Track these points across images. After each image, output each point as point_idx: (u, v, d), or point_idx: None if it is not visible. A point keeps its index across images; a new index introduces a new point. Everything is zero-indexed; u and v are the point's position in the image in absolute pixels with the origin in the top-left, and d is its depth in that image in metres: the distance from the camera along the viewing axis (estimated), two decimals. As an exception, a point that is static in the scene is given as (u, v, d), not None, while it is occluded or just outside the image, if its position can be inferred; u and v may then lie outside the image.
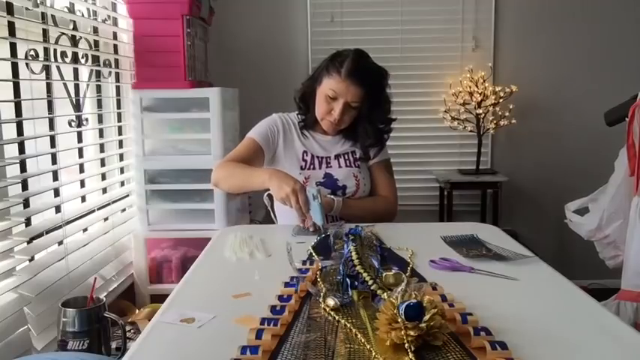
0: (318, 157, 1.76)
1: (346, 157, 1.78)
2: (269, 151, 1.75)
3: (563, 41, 3.32)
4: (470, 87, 3.16)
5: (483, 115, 3.17)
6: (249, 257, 1.29)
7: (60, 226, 1.76)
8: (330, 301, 0.96)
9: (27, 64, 1.69)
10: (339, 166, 1.76)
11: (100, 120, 2.32)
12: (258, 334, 0.82)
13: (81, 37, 2.05)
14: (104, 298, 1.43)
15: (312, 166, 1.74)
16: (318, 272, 1.14)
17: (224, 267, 1.24)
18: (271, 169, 1.59)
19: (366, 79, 1.66)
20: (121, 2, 2.34)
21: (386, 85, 1.74)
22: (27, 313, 1.52)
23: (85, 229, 2.02)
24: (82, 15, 2.08)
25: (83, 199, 2.09)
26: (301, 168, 1.73)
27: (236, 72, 3.21)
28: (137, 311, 2.01)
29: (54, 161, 1.84)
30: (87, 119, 2.08)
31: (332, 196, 1.67)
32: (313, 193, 1.41)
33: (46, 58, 1.79)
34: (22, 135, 1.66)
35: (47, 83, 1.81)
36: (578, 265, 3.11)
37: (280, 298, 0.98)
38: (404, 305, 0.79)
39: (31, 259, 1.66)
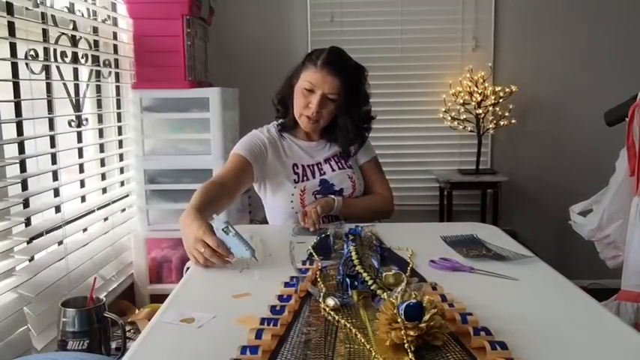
0: (309, 166, 1.73)
1: (336, 159, 1.76)
2: (257, 163, 1.66)
3: (563, 41, 3.32)
4: (470, 87, 3.16)
5: (483, 115, 3.17)
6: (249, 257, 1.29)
7: (60, 226, 1.76)
8: (330, 301, 0.96)
9: (27, 64, 1.69)
10: (332, 170, 1.73)
11: (100, 120, 2.32)
12: (258, 334, 0.82)
13: (81, 37, 2.05)
14: (104, 298, 1.43)
15: (305, 177, 1.70)
16: (318, 272, 1.14)
17: (224, 267, 1.24)
18: (184, 216, 1.34)
19: (343, 69, 1.64)
20: (121, 2, 2.34)
21: (364, 81, 1.72)
22: (27, 313, 1.52)
23: (85, 229, 2.02)
24: (82, 15, 2.08)
25: (83, 199, 2.08)
26: (294, 181, 1.69)
27: (236, 72, 3.21)
28: (137, 311, 2.01)
29: (54, 161, 1.84)
30: (87, 119, 2.08)
31: (332, 196, 1.67)
32: (223, 228, 1.20)
33: (46, 58, 1.79)
34: (22, 135, 1.66)
35: (47, 83, 1.81)
36: (578, 265, 3.11)
37: (280, 298, 0.98)
38: (404, 305, 0.79)
39: (31, 259, 1.66)
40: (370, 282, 0.99)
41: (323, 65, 1.62)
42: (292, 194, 1.67)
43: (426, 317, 0.79)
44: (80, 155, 2.07)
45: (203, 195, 1.42)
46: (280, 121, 1.78)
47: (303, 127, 1.73)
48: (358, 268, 1.03)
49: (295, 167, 1.71)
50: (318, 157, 1.75)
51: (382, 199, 1.79)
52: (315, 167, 1.73)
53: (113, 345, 1.48)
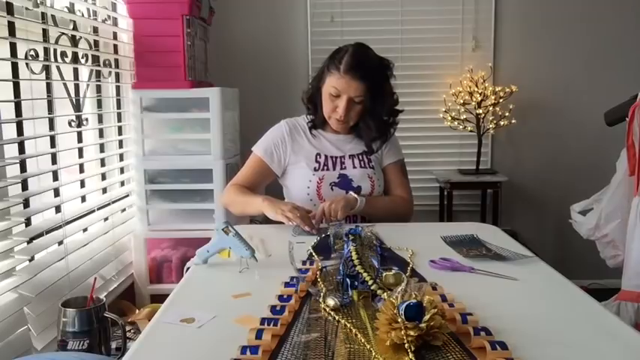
0: (332, 157, 1.75)
1: (360, 157, 1.77)
2: (275, 164, 1.76)
3: (563, 41, 3.32)
4: (470, 87, 3.16)
5: (483, 115, 3.17)
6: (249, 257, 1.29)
7: (60, 226, 1.76)
8: (330, 301, 0.96)
9: (27, 64, 1.69)
10: (354, 167, 1.75)
11: (100, 120, 2.32)
12: (258, 334, 0.82)
13: (81, 37, 2.05)
14: (104, 298, 1.43)
15: (325, 167, 1.74)
16: (318, 272, 1.14)
17: (224, 267, 1.24)
18: (264, 196, 1.66)
19: (366, 72, 1.64)
20: (121, 2, 2.34)
21: (390, 75, 1.73)
22: (27, 313, 1.52)
23: (85, 229, 2.02)
24: (82, 15, 2.08)
25: (83, 199, 2.08)
26: (315, 169, 1.73)
27: (236, 72, 3.21)
28: (137, 311, 2.01)
29: (54, 161, 1.84)
30: (87, 119, 2.08)
31: (354, 195, 1.66)
32: (223, 228, 1.22)
33: (46, 58, 1.79)
34: (22, 135, 1.66)
35: (47, 83, 1.81)
36: (578, 265, 3.11)
37: (280, 298, 0.98)
38: (404, 305, 0.79)
39: (31, 259, 1.66)
40: (370, 282, 0.99)
41: (346, 71, 1.63)
42: (310, 181, 1.71)
43: (426, 317, 0.79)
44: (80, 155, 2.07)
45: (243, 190, 1.73)
46: (311, 117, 1.81)
47: (334, 128, 1.77)
48: (358, 268, 1.03)
49: (318, 156, 1.75)
50: (344, 151, 1.78)
51: (403, 202, 1.81)
52: (338, 160, 1.76)
53: (113, 345, 1.48)
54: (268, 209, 1.58)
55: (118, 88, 2.40)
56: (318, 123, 1.80)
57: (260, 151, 1.77)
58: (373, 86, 1.66)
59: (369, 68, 1.65)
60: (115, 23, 2.38)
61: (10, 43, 1.63)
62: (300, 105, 1.85)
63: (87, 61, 2.08)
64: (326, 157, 1.75)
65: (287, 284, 1.05)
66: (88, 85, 2.11)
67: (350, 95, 1.65)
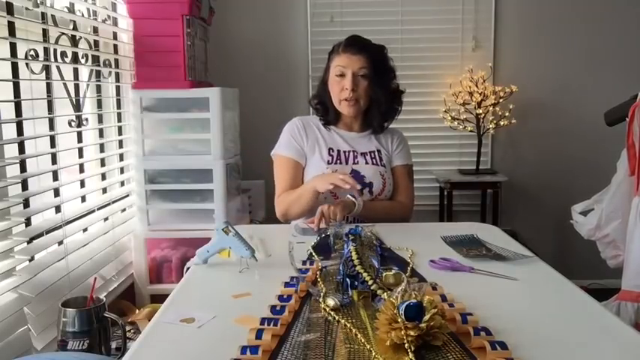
0: (344, 152, 1.78)
1: (372, 155, 1.80)
2: (299, 155, 1.79)
3: (563, 41, 3.32)
4: (470, 87, 3.16)
5: (483, 115, 3.17)
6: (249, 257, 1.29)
7: (60, 226, 1.76)
8: (330, 301, 0.96)
9: (27, 64, 1.69)
10: (366, 163, 1.78)
11: (100, 120, 2.32)
12: (258, 334, 0.82)
13: (81, 37, 2.05)
14: (104, 298, 1.43)
15: (338, 161, 1.77)
16: (318, 272, 1.14)
17: (224, 267, 1.24)
18: (308, 186, 1.68)
19: (364, 46, 1.73)
20: (121, 2, 2.34)
21: (388, 55, 1.80)
22: (27, 313, 1.52)
23: (85, 229, 2.02)
24: (82, 15, 2.08)
25: (83, 199, 2.08)
26: (328, 162, 1.75)
27: (236, 72, 3.21)
28: (137, 311, 2.01)
29: (54, 161, 1.84)
30: (87, 119, 2.08)
31: (353, 198, 1.66)
32: (223, 228, 1.22)
33: (46, 58, 1.79)
34: (22, 135, 1.66)
35: (47, 83, 1.81)
36: (578, 265, 3.11)
37: (280, 298, 0.98)
38: (404, 305, 0.80)
39: (31, 259, 1.66)
40: (370, 282, 0.99)
41: (345, 48, 1.72)
42: (323, 173, 1.72)
43: (426, 317, 0.79)
44: (80, 155, 2.07)
45: (291, 191, 1.73)
46: (320, 118, 1.84)
47: (346, 113, 1.78)
48: (358, 268, 1.03)
49: (331, 150, 1.78)
50: (357, 148, 1.80)
51: (401, 208, 1.82)
52: (351, 154, 1.79)
53: (113, 345, 1.48)
54: (320, 185, 1.60)
55: (118, 88, 2.40)
56: (331, 120, 1.83)
57: (283, 151, 1.80)
58: (373, 59, 1.72)
59: (366, 44, 1.75)
60: (115, 23, 2.38)
61: (10, 43, 1.63)
62: (301, 105, 1.86)
63: (87, 61, 2.08)
64: (338, 151, 1.78)
65: (287, 284, 1.06)
66: (88, 85, 2.11)
67: (354, 70, 1.70)
